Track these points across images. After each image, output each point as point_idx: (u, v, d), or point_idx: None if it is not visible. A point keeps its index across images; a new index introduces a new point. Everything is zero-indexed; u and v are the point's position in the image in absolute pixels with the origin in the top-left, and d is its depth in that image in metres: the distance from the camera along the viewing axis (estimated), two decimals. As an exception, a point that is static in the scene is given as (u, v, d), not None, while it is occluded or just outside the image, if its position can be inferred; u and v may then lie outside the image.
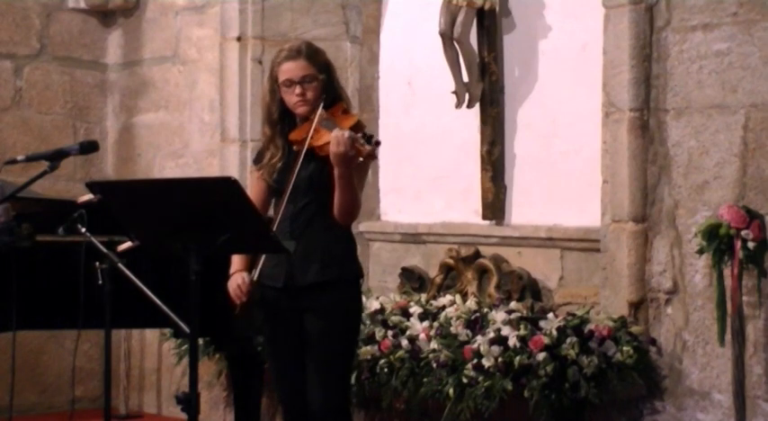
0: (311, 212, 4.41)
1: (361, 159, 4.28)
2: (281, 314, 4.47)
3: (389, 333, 5.88)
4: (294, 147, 4.43)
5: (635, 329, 5.43)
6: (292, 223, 4.39)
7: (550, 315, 5.56)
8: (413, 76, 6.78)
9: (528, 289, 6.04)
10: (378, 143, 4.26)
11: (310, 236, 4.40)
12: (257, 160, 4.60)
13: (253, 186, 4.59)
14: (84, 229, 4.67)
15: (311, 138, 4.35)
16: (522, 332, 5.41)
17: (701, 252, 5.11)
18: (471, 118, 6.41)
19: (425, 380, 5.65)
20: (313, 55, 4.45)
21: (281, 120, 4.48)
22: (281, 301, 4.45)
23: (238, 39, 6.97)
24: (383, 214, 6.91)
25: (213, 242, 4.08)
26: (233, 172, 6.76)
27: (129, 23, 7.84)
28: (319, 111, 4.38)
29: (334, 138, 4.23)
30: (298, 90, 4.39)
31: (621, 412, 5.46)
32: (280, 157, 4.47)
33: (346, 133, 4.23)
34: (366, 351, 5.82)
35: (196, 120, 7.49)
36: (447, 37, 6.29)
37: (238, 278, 4.48)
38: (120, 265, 4.60)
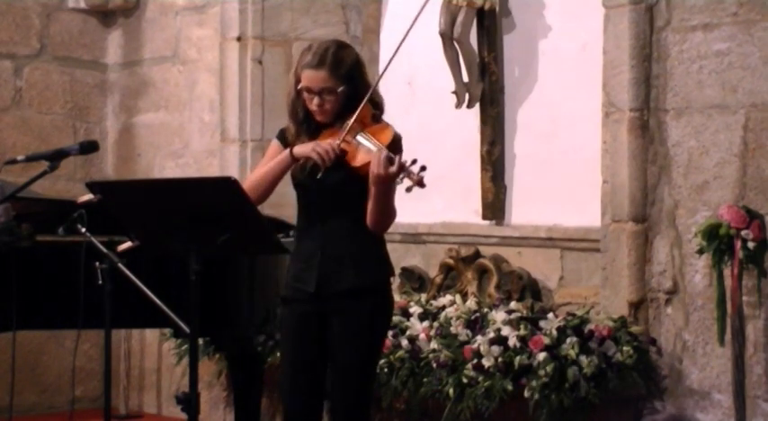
0: (341, 217, 4.29)
1: (410, 184, 4.07)
2: (307, 320, 4.32)
3: (389, 333, 5.88)
4: None
5: (635, 329, 5.43)
6: (323, 227, 4.29)
7: (550, 315, 5.55)
8: (413, 76, 6.78)
9: (528, 289, 6.04)
10: (424, 168, 4.06)
11: (342, 240, 4.29)
12: (283, 137, 4.39)
13: (271, 155, 4.37)
14: (84, 229, 4.65)
15: (346, 157, 4.18)
16: (522, 332, 5.41)
17: (701, 252, 5.11)
18: (471, 118, 6.41)
19: (425, 380, 5.65)
20: (337, 65, 4.27)
21: (305, 119, 4.33)
22: (307, 306, 4.31)
23: (238, 39, 6.97)
24: (383, 214, 6.90)
25: (213, 242, 4.07)
26: (233, 172, 6.76)
27: (129, 23, 7.84)
28: (350, 123, 4.22)
29: (378, 166, 4.08)
30: (316, 101, 4.27)
31: (621, 412, 5.46)
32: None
33: (394, 166, 4.05)
34: (366, 351, 5.82)
35: (196, 120, 7.49)
36: (447, 37, 6.29)
37: (328, 143, 4.20)
38: (120, 265, 4.59)
